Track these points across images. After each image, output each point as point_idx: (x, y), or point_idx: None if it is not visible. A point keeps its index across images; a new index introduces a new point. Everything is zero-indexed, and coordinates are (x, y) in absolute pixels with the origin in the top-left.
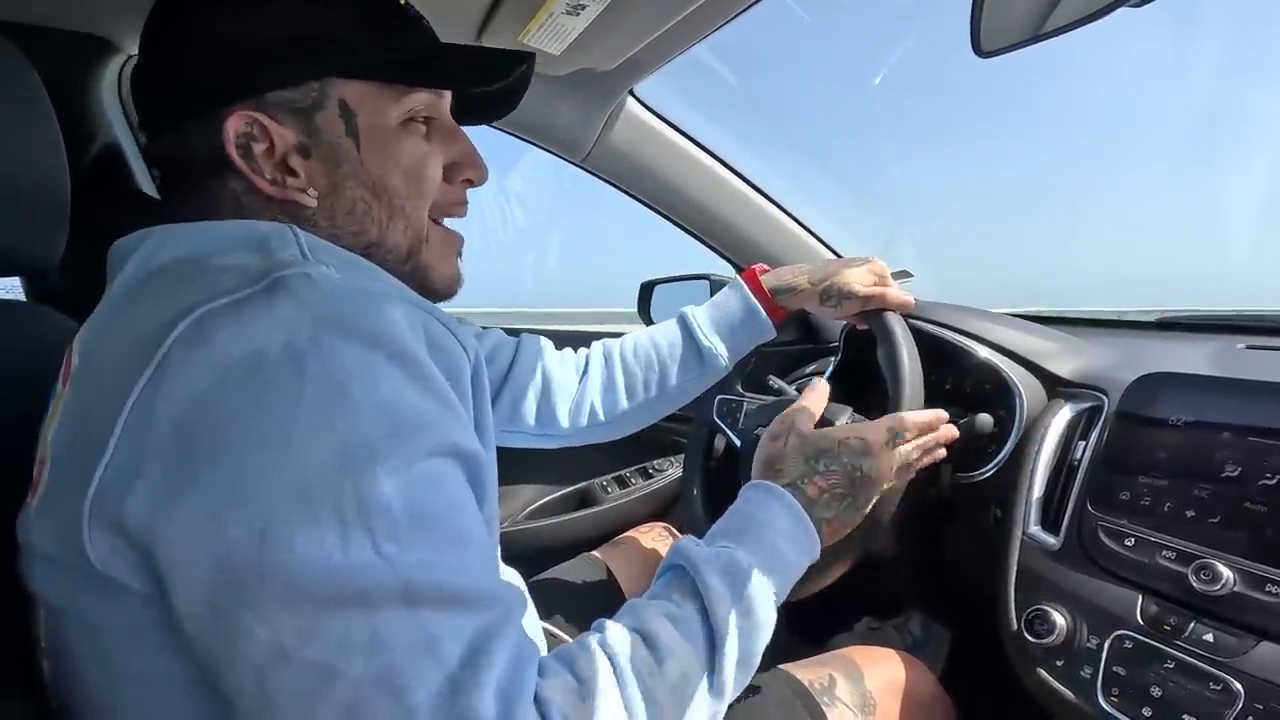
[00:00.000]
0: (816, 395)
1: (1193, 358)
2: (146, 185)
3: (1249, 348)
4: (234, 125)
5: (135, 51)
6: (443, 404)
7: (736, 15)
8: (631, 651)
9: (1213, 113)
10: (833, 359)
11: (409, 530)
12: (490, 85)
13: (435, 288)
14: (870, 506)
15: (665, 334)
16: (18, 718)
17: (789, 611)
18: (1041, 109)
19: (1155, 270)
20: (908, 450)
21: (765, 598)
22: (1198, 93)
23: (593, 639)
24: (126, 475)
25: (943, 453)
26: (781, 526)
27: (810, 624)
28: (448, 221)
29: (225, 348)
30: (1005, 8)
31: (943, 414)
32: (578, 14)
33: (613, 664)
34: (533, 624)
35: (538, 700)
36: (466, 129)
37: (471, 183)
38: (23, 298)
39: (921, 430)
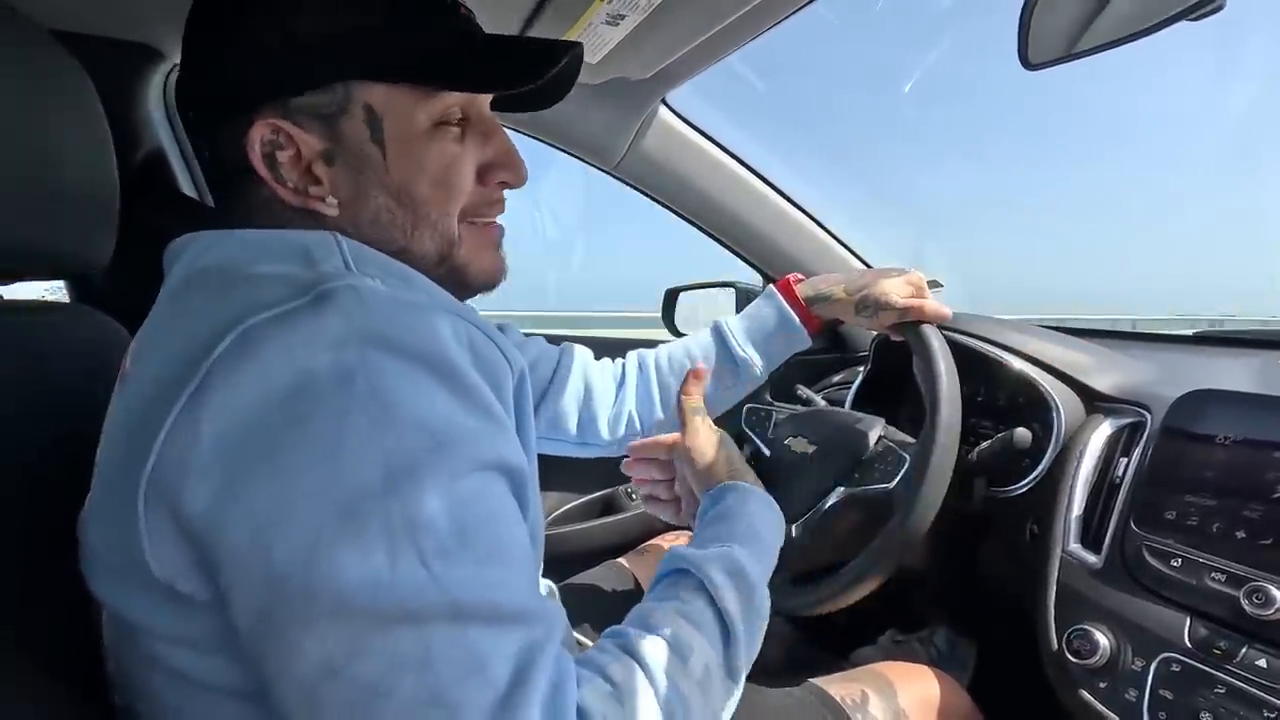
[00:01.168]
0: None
1: (1236, 374)
2: (189, 191)
3: None
4: (259, 133)
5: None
6: (487, 417)
7: (773, 25)
8: (657, 652)
9: (1257, 118)
10: (862, 369)
11: (455, 546)
12: (527, 84)
13: (472, 283)
14: None
15: (700, 344)
16: (78, 718)
17: (812, 624)
18: (1079, 114)
19: (1196, 281)
20: None
21: (761, 585)
22: (1242, 99)
23: (614, 643)
24: (174, 488)
25: None
26: (765, 517)
27: (833, 637)
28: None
29: (271, 365)
30: (1054, 20)
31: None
32: (617, 24)
33: (641, 666)
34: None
35: (580, 711)
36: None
37: (508, 185)
38: (66, 298)
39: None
